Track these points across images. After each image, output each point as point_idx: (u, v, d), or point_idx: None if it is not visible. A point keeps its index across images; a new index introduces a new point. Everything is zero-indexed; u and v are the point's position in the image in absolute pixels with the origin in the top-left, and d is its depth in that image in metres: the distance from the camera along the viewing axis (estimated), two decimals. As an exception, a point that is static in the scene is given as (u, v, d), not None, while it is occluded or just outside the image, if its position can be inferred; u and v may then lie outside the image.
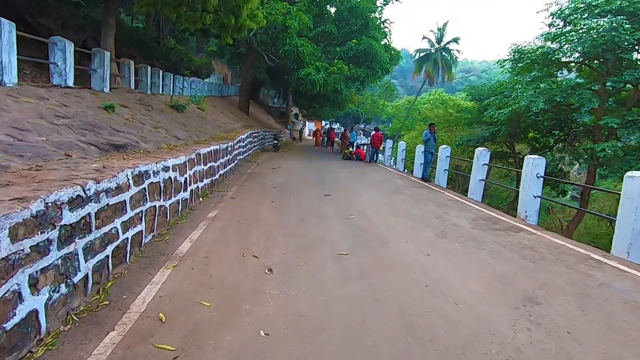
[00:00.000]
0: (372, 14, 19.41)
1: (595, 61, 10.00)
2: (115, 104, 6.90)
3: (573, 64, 10.15)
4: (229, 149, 9.52)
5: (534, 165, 6.78)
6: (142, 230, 3.94)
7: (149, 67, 11.18)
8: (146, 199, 4.05)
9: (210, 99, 19.93)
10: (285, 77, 18.70)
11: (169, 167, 4.81)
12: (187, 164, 5.62)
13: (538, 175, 6.77)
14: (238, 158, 11.79)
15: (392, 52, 21.73)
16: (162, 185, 4.55)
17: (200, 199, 6.37)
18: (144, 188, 3.99)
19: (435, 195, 8.57)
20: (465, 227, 5.58)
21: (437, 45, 34.37)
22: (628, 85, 9.86)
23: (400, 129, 38.02)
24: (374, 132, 15.49)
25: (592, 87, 9.91)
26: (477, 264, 4.02)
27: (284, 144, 26.64)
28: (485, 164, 8.71)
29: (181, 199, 5.38)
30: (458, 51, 33.97)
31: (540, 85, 9.65)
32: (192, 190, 5.88)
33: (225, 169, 9.02)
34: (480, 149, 8.81)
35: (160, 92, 12.80)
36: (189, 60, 26.57)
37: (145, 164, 4.08)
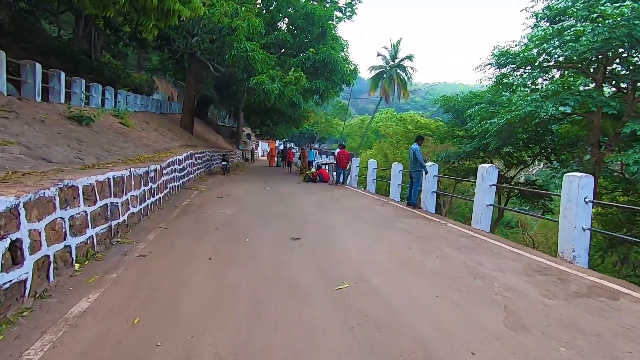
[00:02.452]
0: (330, 22, 17.74)
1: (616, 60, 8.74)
2: None
3: (581, 64, 8.86)
4: (153, 174, 6.78)
5: (580, 187, 4.93)
6: None
7: (37, 66, 8.19)
8: None
9: (145, 115, 16.86)
10: (234, 88, 16.15)
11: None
12: (22, 209, 2.88)
13: (586, 199, 4.92)
14: (171, 185, 8.98)
15: (350, 65, 20.22)
16: None
17: (76, 267, 3.63)
18: None
19: (439, 228, 6.48)
20: (533, 296, 3.42)
21: (391, 63, 33.97)
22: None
23: (359, 147, 36.75)
24: (339, 150, 13.43)
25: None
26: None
27: (235, 166, 23.78)
28: (493, 185, 6.85)
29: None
30: (412, 68, 33.81)
31: (549, 87, 8.25)
32: (38, 260, 3.10)
33: (145, 204, 6.26)
34: (485, 165, 6.95)
35: (83, 105, 9.78)
36: (127, 76, 23.39)
37: None
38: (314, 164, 19.10)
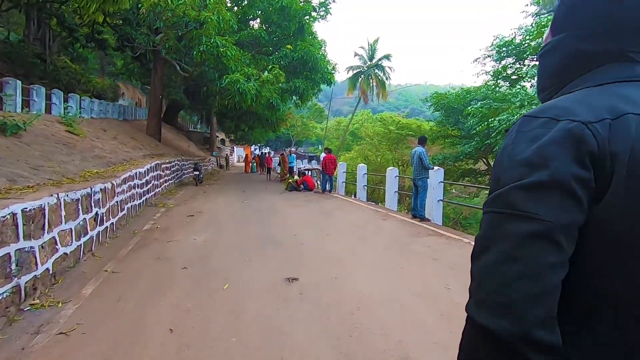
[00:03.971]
0: (306, 17, 16.49)
1: None
2: None
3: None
4: (99, 196, 5.25)
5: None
6: None
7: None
8: None
9: (104, 122, 14.98)
10: (205, 89, 14.56)
11: None
12: None
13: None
14: (130, 205, 7.40)
15: (329, 64, 19.04)
16: None
17: None
18: None
19: (466, 250, 5.30)
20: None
21: (369, 62, 33.15)
22: None
23: (338, 150, 35.66)
24: (325, 155, 12.15)
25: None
26: None
27: (209, 174, 22.06)
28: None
29: None
30: (390, 68, 33.12)
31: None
32: None
33: (87, 237, 4.73)
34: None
35: (20, 111, 8.04)
36: (87, 81, 21.22)
37: None
38: (295, 169, 17.74)
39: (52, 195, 3.79)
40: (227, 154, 36.30)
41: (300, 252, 5.11)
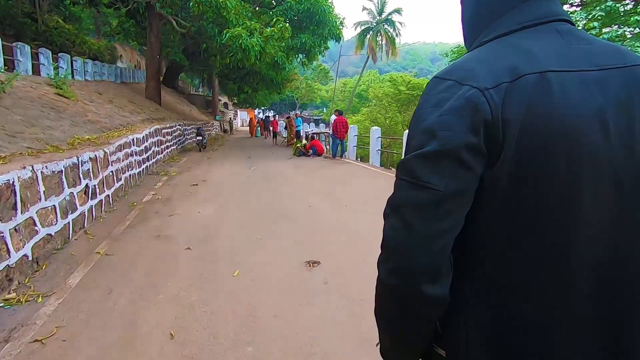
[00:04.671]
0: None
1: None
2: None
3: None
4: (88, 166, 4.62)
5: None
6: None
7: None
8: None
9: (100, 84, 14.12)
10: (205, 46, 13.46)
11: None
12: None
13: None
14: (128, 174, 6.81)
15: (337, 18, 17.55)
16: None
17: None
18: None
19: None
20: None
21: (378, 17, 31.02)
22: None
23: (345, 113, 34.43)
24: (335, 117, 11.30)
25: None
26: None
27: (213, 139, 21.35)
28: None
29: None
30: (401, 23, 31.01)
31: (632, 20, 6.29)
32: None
33: (76, 213, 4.16)
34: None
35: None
36: (83, 42, 20.00)
37: None
38: (302, 133, 16.92)
39: (24, 168, 3.15)
40: (230, 118, 35.33)
41: (317, 228, 4.53)
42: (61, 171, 3.83)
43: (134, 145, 7.47)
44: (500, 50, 0.62)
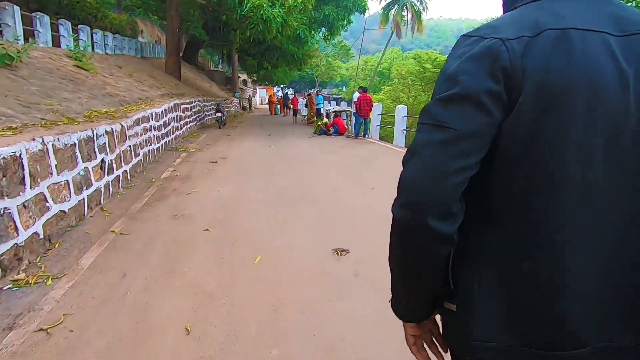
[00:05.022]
0: None
1: None
2: None
3: None
4: (104, 140, 4.41)
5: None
6: None
7: None
8: None
9: (120, 58, 13.96)
10: (225, 18, 12.98)
11: None
12: None
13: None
14: (147, 149, 6.63)
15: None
16: None
17: None
18: None
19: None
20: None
21: (404, -11, 29.43)
22: None
23: (368, 90, 33.45)
24: (359, 95, 10.77)
25: None
26: None
27: (232, 116, 21.12)
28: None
29: None
30: (428, -4, 29.31)
31: None
32: None
33: (91, 189, 3.97)
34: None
35: (21, 42, 7.16)
36: (104, 17, 19.92)
37: None
38: (323, 111, 16.40)
39: (33, 140, 2.93)
40: (249, 95, 34.97)
41: (343, 211, 4.21)
42: (75, 144, 3.61)
43: (152, 119, 7.26)
44: (527, 12, 0.63)
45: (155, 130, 7.46)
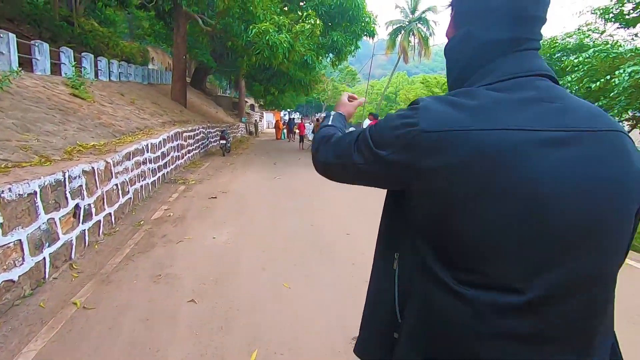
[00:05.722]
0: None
1: None
2: None
3: None
4: (78, 183, 3.76)
5: None
6: None
7: None
8: None
9: (125, 85, 13.71)
10: (230, 44, 12.69)
11: None
12: None
13: None
14: (140, 184, 5.99)
15: (371, 15, 16.39)
16: None
17: None
18: None
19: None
20: None
21: (411, 16, 29.57)
22: None
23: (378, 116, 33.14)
24: (370, 121, 10.20)
25: None
26: None
27: (238, 142, 20.75)
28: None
29: None
30: (435, 22, 29.39)
31: None
32: None
33: (54, 247, 3.28)
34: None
35: (16, 70, 6.76)
36: (116, 45, 20.19)
37: None
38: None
39: (-33, 195, 2.27)
40: (256, 120, 34.88)
41: (361, 269, 3.45)
42: (35, 193, 2.96)
43: (148, 152, 6.67)
44: (467, 101, 0.63)
45: (151, 162, 6.87)
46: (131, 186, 5.57)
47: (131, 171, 5.62)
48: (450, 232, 0.60)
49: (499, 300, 0.58)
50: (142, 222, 4.96)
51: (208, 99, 29.67)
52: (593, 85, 6.16)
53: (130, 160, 5.59)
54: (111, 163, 4.72)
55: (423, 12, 29.08)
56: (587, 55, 6.62)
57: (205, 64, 25.83)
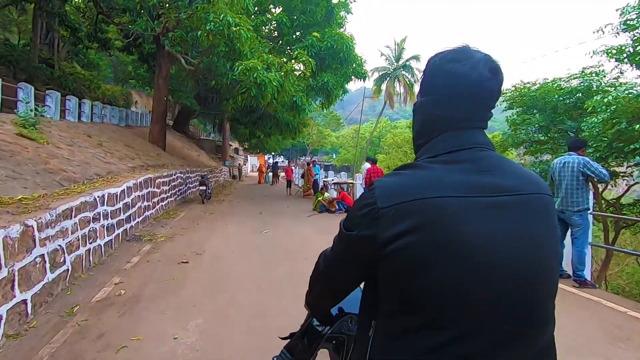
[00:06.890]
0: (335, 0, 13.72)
1: None
2: None
3: None
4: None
5: None
6: None
7: None
8: None
9: (97, 126, 12.51)
10: (214, 84, 11.81)
11: None
12: None
13: None
14: (80, 251, 4.56)
15: (361, 58, 16.12)
16: None
17: None
18: None
19: None
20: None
21: (396, 63, 30.23)
22: None
23: (355, 160, 32.66)
24: (369, 166, 9.20)
25: None
26: None
27: (221, 187, 19.42)
28: None
29: None
30: (419, 70, 30.06)
31: None
32: None
33: None
34: None
35: None
36: (97, 88, 19.38)
37: None
38: (320, 182, 14.74)
39: None
40: (239, 164, 33.80)
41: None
42: None
43: (103, 204, 5.32)
44: (415, 174, 0.73)
45: (107, 218, 5.49)
46: (70, 254, 4.15)
47: (72, 233, 4.23)
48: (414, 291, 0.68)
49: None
50: (74, 309, 3.52)
51: (190, 142, 28.59)
52: (621, 126, 5.43)
53: (71, 218, 4.23)
54: (34, 226, 3.36)
55: (407, 60, 29.82)
56: (615, 96, 5.95)
57: (189, 106, 25.08)
